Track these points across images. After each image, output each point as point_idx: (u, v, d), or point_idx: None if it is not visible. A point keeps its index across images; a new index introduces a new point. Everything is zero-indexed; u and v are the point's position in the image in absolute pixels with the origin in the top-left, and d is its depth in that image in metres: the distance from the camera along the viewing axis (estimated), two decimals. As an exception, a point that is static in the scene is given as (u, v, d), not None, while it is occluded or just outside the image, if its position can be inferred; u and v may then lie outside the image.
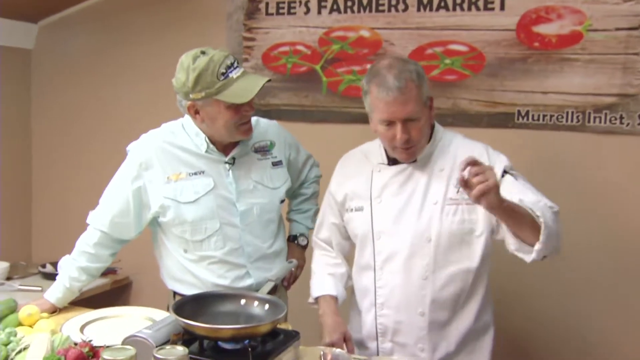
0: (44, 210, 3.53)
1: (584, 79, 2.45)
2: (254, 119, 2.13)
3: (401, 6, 2.69)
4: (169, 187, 1.96)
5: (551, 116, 2.52)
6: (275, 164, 2.11)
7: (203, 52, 1.87)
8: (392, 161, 1.90)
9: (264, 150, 2.10)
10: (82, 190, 3.18)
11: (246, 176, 2.03)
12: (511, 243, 1.71)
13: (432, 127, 1.90)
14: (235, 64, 1.88)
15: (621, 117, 2.42)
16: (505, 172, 1.80)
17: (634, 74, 2.38)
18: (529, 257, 1.68)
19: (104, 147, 3.27)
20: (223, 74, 1.84)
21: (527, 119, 2.55)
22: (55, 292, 2.05)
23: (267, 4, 2.93)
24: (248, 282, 2.02)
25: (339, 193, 1.99)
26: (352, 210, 1.95)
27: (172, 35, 3.09)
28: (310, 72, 2.88)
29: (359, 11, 2.77)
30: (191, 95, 1.87)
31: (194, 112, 1.92)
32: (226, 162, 2.00)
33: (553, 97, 2.51)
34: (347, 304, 2.05)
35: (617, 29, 2.39)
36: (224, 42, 3.00)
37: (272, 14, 2.93)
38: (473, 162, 1.53)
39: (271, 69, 2.95)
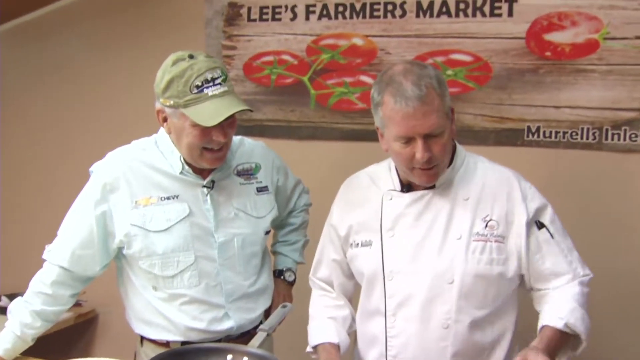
0: (13, 234, 3.24)
1: (601, 92, 2.26)
2: (237, 138, 1.91)
3: (398, 11, 2.47)
4: (136, 213, 1.72)
5: (565, 133, 2.31)
6: (261, 189, 1.88)
7: (191, 56, 1.66)
8: (405, 187, 1.66)
9: (248, 173, 1.87)
10: (54, 212, 2.94)
11: (227, 202, 1.80)
12: None
13: (454, 148, 1.66)
14: (219, 80, 1.65)
15: (642, 134, 2.23)
16: (540, 223, 1.59)
17: (656, 87, 2.19)
18: None
19: (79, 165, 3.03)
20: (198, 87, 1.62)
21: (538, 136, 2.35)
22: (3, 343, 1.74)
23: (249, 9, 2.70)
24: (227, 324, 1.79)
25: (342, 225, 1.73)
26: (357, 245, 1.69)
27: (145, 43, 2.89)
28: (297, 84, 2.65)
29: (351, 17, 2.55)
30: (160, 99, 1.69)
31: (162, 119, 1.73)
32: (204, 186, 1.77)
33: (567, 112, 2.30)
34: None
35: (638, 37, 2.20)
36: (203, 51, 2.74)
37: (254, 20, 2.69)
38: None
39: (253, 80, 2.71)
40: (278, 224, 2.09)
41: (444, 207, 1.60)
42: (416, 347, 1.59)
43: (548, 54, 2.29)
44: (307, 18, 2.60)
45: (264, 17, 2.67)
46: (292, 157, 2.68)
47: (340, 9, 2.55)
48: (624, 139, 2.24)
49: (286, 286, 2.04)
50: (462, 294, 1.56)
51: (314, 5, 2.59)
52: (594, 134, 2.27)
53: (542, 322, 1.54)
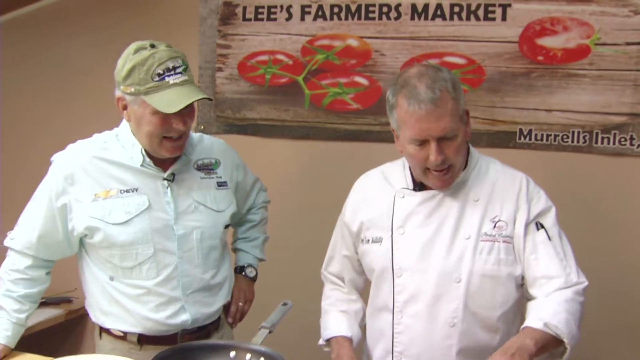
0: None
1: (591, 96, 2.29)
2: (197, 135, 1.92)
3: (393, 14, 2.48)
4: (96, 206, 1.73)
5: (556, 136, 2.34)
6: (221, 184, 1.89)
7: (152, 45, 1.67)
8: (418, 186, 1.68)
9: (207, 168, 1.88)
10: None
11: (187, 195, 1.80)
12: None
13: (467, 150, 1.68)
14: (180, 70, 1.66)
15: (631, 138, 2.26)
16: (540, 225, 1.61)
17: (645, 92, 2.22)
18: None
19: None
20: (159, 75, 1.63)
21: (530, 139, 2.37)
22: (3, 331, 1.75)
23: (244, 8, 2.69)
24: (182, 317, 1.79)
25: (354, 222, 1.76)
26: (368, 241, 1.71)
27: (139, 41, 2.82)
28: (292, 84, 2.65)
29: (346, 18, 2.55)
30: (121, 87, 1.69)
31: (122, 106, 1.73)
32: (165, 179, 1.78)
33: (558, 116, 2.33)
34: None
35: (628, 44, 2.24)
36: (197, 49, 2.75)
37: (249, 20, 2.69)
38: None
39: (248, 79, 2.71)
40: (237, 222, 2.10)
41: (454, 207, 1.62)
42: (422, 344, 1.61)
43: (540, 58, 2.32)
44: (303, 18, 2.61)
45: (259, 16, 2.67)
46: (285, 157, 2.70)
47: (336, 10, 2.56)
48: (614, 143, 2.27)
49: (247, 282, 2.04)
50: (469, 293, 1.57)
51: (310, 6, 2.59)
52: (584, 137, 2.31)
53: (523, 325, 1.52)
